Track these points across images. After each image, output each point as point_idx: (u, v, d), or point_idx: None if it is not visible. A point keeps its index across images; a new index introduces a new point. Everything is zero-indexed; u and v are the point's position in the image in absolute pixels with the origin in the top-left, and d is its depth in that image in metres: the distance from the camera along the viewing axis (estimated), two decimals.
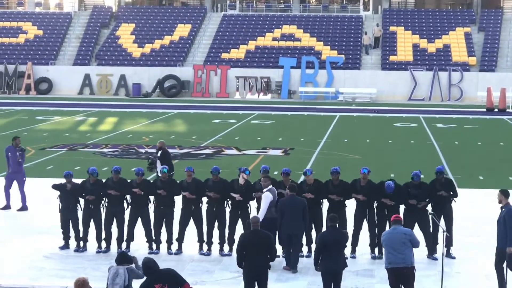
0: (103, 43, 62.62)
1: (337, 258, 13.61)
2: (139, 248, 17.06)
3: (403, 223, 13.76)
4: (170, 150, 31.84)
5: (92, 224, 17.26)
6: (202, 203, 17.20)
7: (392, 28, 61.93)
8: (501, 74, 56.43)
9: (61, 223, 17.34)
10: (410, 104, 53.82)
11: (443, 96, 56.10)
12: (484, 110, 49.69)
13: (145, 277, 11.36)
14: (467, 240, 18.01)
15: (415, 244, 13.35)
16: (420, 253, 15.90)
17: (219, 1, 68.01)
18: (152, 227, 17.23)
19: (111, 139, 35.25)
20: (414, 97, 56.18)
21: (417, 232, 15.84)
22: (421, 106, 52.69)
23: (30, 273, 15.62)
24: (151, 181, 18.19)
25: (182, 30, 63.04)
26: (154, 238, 17.25)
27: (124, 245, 17.24)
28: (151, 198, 17.36)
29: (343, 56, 58.69)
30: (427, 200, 16.75)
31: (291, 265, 15.98)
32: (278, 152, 32.18)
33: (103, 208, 17.28)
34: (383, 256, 14.09)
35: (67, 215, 17.24)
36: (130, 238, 17.25)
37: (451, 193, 16.88)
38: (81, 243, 17.29)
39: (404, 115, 46.97)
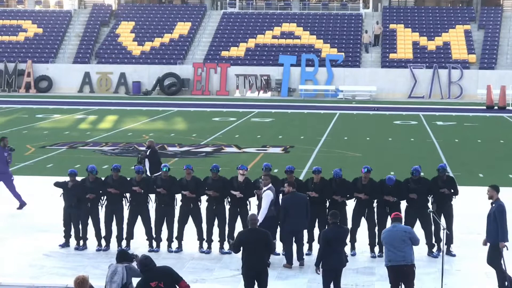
0: (103, 41, 62.62)
1: (340, 255, 13.66)
2: (139, 246, 17.07)
3: (404, 221, 13.80)
4: (170, 148, 32.01)
5: (91, 222, 17.27)
6: (200, 202, 17.21)
7: (392, 26, 61.91)
8: (501, 71, 56.41)
9: (64, 222, 17.35)
10: (410, 102, 53.82)
11: (443, 94, 56.10)
12: (484, 107, 49.70)
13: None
14: (467, 238, 18.02)
15: (415, 241, 13.36)
16: (420, 250, 15.91)
17: None
18: (152, 225, 17.24)
19: (111, 137, 35.26)
20: (414, 95, 56.18)
21: (417, 229, 15.85)
22: (421, 103, 52.70)
23: (31, 272, 15.63)
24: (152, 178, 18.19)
25: (182, 28, 63.04)
26: (154, 236, 17.26)
27: (124, 243, 17.25)
28: (151, 196, 17.37)
29: (343, 54, 58.68)
30: (428, 196, 16.78)
31: (298, 260, 16.05)
32: (278, 150, 32.19)
33: (101, 207, 17.29)
34: (383, 254, 14.10)
35: (69, 213, 17.25)
36: (130, 236, 17.26)
37: (452, 190, 16.91)
38: (81, 242, 17.29)
39: (404, 112, 46.98)
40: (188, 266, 16.09)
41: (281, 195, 16.77)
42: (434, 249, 16.84)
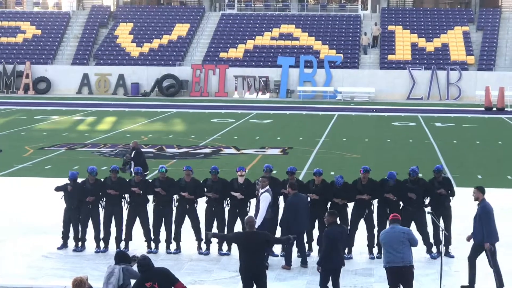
0: (101, 42, 62.62)
1: (339, 254, 13.71)
2: (138, 247, 17.05)
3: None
4: (169, 150, 32.01)
5: (90, 223, 17.26)
6: (197, 203, 17.20)
7: (390, 27, 61.94)
8: (499, 73, 56.46)
9: (63, 223, 17.33)
10: (408, 103, 53.84)
11: (441, 95, 56.12)
12: (483, 109, 49.71)
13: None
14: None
15: (414, 243, 13.37)
16: (418, 252, 15.92)
17: (217, 0, 68.02)
18: (151, 227, 17.23)
19: (109, 139, 35.25)
20: (412, 96, 56.19)
21: (414, 231, 15.86)
22: (420, 105, 52.71)
23: (29, 273, 15.62)
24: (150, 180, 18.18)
25: (181, 29, 63.04)
26: (153, 237, 17.25)
27: (122, 244, 17.24)
28: (150, 197, 17.37)
29: (341, 55, 58.70)
30: (425, 197, 16.81)
31: (303, 263, 16.08)
32: (277, 151, 32.20)
33: (102, 208, 17.29)
34: (382, 255, 14.10)
35: (70, 215, 17.23)
36: (129, 237, 17.25)
37: (449, 192, 16.93)
38: (80, 243, 17.27)
39: (402, 114, 46.99)
40: (186, 267, 16.09)
41: (281, 197, 16.82)
42: (434, 249, 16.81)
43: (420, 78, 56.51)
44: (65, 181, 17.48)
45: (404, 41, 60.40)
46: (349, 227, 16.75)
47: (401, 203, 16.82)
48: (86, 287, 11.00)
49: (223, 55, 59.96)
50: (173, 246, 17.24)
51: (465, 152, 32.62)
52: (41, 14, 66.50)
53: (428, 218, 16.31)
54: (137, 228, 17.27)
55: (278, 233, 16.72)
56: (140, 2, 71.83)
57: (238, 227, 16.78)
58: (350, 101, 55.12)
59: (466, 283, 14.76)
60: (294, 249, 16.33)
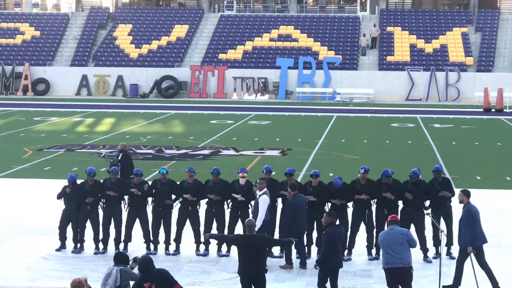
0: (100, 44, 62.62)
1: (338, 255, 13.72)
2: (137, 248, 17.05)
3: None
4: (168, 151, 32.01)
5: (89, 225, 17.25)
6: (199, 205, 17.19)
7: (389, 29, 61.96)
8: (498, 74, 56.48)
9: (60, 224, 17.30)
10: (407, 105, 53.86)
11: (440, 96, 56.14)
12: (481, 110, 49.73)
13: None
14: None
15: (413, 244, 13.38)
16: (417, 253, 15.93)
17: (216, 1, 68.05)
18: (150, 228, 17.22)
19: (108, 140, 35.24)
20: (411, 97, 56.22)
21: (413, 232, 15.87)
22: (418, 106, 52.73)
23: (28, 274, 15.61)
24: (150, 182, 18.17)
25: (179, 30, 63.05)
26: (152, 238, 17.24)
27: (121, 246, 17.23)
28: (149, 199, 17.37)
29: (340, 56, 58.71)
30: (426, 198, 16.80)
31: (302, 264, 16.08)
32: (276, 152, 32.19)
33: (101, 209, 17.28)
34: (381, 256, 14.11)
35: (69, 217, 17.20)
36: (128, 239, 17.24)
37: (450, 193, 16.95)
38: (78, 244, 17.26)
39: (401, 115, 47.01)
40: (185, 268, 16.08)
41: (279, 198, 16.81)
42: (430, 254, 16.80)
43: (419, 79, 56.53)
44: (63, 182, 17.44)
45: (403, 42, 60.43)
46: (349, 229, 16.78)
47: (400, 204, 16.83)
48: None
49: (222, 56, 59.97)
50: (172, 247, 17.23)
51: (464, 153, 32.63)
52: (40, 15, 66.50)
53: (428, 221, 16.30)
54: (137, 229, 17.27)
55: (276, 235, 16.74)
56: (139, 3, 71.84)
57: (238, 228, 16.78)
58: (349, 102, 55.13)
59: (466, 283, 14.74)
60: (293, 249, 16.31)
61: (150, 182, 17.53)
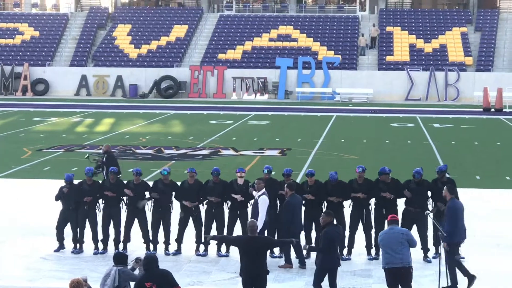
0: (99, 44, 62.61)
1: (335, 254, 13.71)
2: (137, 249, 17.05)
3: (400, 224, 13.83)
4: (167, 151, 32.00)
5: (88, 224, 17.24)
6: (203, 205, 17.17)
7: (388, 28, 61.96)
8: (497, 74, 56.49)
9: (57, 224, 17.27)
10: (406, 104, 53.86)
11: (439, 96, 56.14)
12: (481, 110, 49.73)
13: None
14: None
15: (412, 243, 13.37)
16: (417, 253, 15.92)
17: (215, 1, 68.04)
18: (149, 228, 17.21)
19: (108, 140, 35.20)
20: (410, 97, 56.22)
21: (414, 232, 15.84)
22: (418, 106, 52.74)
23: (28, 275, 15.60)
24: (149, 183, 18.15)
25: (179, 30, 63.05)
26: (151, 239, 17.23)
27: (121, 246, 17.22)
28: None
29: (339, 56, 58.71)
30: (428, 199, 16.80)
31: (301, 264, 16.07)
32: (275, 152, 32.19)
33: (99, 210, 17.27)
34: (380, 256, 14.10)
35: (67, 217, 17.18)
36: (127, 239, 17.22)
37: None
38: (78, 245, 17.25)
39: (401, 115, 47.01)
40: (185, 268, 16.07)
41: (278, 199, 16.82)
42: (430, 254, 16.81)
43: (418, 79, 56.53)
44: (63, 183, 17.42)
45: (402, 42, 60.43)
46: (348, 229, 16.78)
47: (400, 203, 16.82)
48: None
49: (221, 56, 59.97)
50: (172, 247, 17.22)
51: (463, 153, 32.63)
52: (39, 15, 66.49)
53: (429, 220, 16.29)
54: (136, 229, 17.26)
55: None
56: (138, 3, 71.83)
57: (237, 228, 16.77)
58: (349, 102, 55.14)
59: (466, 284, 14.73)
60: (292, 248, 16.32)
61: (148, 196, 17.31)
